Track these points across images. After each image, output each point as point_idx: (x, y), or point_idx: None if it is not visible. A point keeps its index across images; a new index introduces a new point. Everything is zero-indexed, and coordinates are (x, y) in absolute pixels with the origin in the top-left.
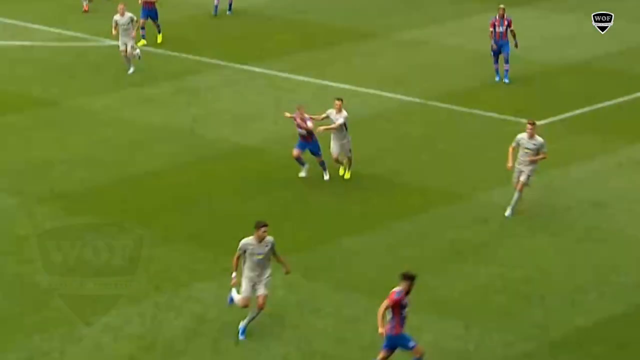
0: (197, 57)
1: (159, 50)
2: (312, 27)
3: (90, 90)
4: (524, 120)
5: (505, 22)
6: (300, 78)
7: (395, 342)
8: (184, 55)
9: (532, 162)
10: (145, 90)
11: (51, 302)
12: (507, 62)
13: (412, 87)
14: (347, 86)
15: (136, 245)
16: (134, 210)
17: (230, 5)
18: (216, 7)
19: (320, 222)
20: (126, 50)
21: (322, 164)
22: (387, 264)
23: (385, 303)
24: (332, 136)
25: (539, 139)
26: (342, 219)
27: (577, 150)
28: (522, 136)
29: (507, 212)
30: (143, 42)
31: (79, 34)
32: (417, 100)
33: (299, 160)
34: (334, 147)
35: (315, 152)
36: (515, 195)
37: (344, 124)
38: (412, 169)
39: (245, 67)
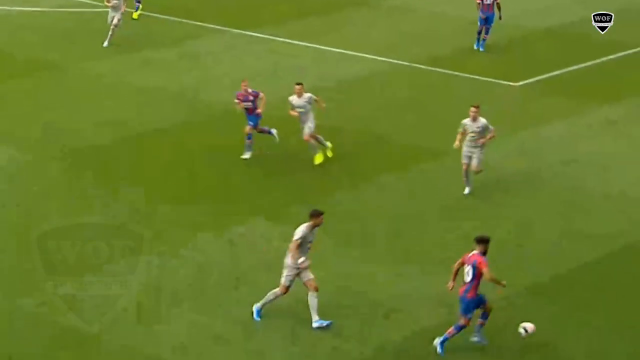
0: (198, 23)
1: (161, 16)
2: None
3: (93, 54)
4: (504, 82)
5: None
6: (297, 43)
7: (465, 303)
8: (184, 20)
9: (481, 145)
10: (147, 54)
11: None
12: (487, 32)
13: (401, 52)
14: (341, 50)
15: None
16: (139, 167)
17: None
18: None
19: (312, 178)
20: (111, 23)
21: (250, 137)
22: (377, 217)
23: (488, 269)
24: (301, 118)
25: (482, 121)
26: (333, 176)
27: (551, 111)
28: (467, 121)
29: (466, 191)
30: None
31: (81, 0)
32: (406, 63)
33: (265, 132)
34: (305, 129)
35: (255, 122)
36: (465, 176)
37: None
38: (401, 128)
39: (244, 32)
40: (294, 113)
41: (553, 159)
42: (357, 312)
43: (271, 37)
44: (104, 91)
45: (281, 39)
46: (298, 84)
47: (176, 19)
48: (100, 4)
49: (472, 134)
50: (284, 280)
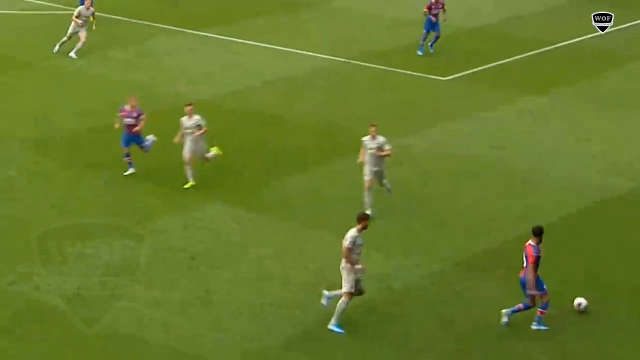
0: (156, 24)
1: (122, 18)
2: None
3: (65, 52)
4: (436, 77)
5: (440, 6)
6: (248, 42)
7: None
8: (145, 22)
9: (380, 161)
10: (111, 53)
11: (31, 235)
12: (437, 38)
13: (344, 49)
14: (289, 49)
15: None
16: (103, 153)
17: None
18: None
19: (263, 164)
20: (69, 38)
21: (128, 155)
22: (322, 199)
23: (531, 266)
24: (186, 139)
25: (380, 139)
26: (281, 161)
27: (479, 101)
28: (366, 138)
29: (369, 212)
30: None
31: (55, 4)
32: (349, 61)
33: (128, 156)
34: (187, 150)
35: (141, 143)
36: (368, 193)
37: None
38: (344, 117)
39: (199, 32)
40: (178, 136)
41: (483, 142)
42: (301, 284)
43: (224, 37)
44: (73, 85)
45: (233, 39)
46: (188, 104)
47: (136, 20)
48: (69, 7)
49: (370, 151)
50: (346, 287)
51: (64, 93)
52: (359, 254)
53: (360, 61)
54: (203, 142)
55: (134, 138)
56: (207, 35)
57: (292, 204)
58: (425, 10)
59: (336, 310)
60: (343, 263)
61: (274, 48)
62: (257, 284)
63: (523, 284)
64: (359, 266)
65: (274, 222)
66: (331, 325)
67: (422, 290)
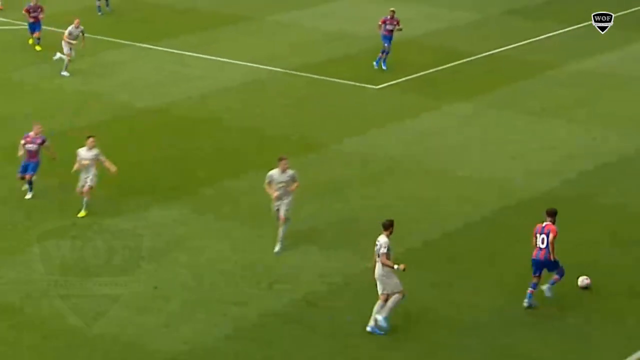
0: (107, 38)
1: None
2: (200, 14)
3: (25, 63)
4: (368, 86)
5: (394, 22)
6: (193, 54)
7: (553, 264)
8: (98, 37)
9: (288, 194)
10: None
11: None
12: (388, 52)
13: (282, 60)
14: (230, 60)
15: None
16: (63, 157)
17: (107, 0)
18: (99, 7)
19: (206, 167)
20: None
21: (31, 182)
22: (264, 200)
23: (554, 237)
24: (84, 171)
25: (290, 172)
26: (224, 165)
27: (407, 107)
28: (274, 172)
29: (276, 249)
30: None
31: (10, 20)
32: (284, 70)
33: (31, 184)
34: (82, 181)
35: (34, 170)
36: (280, 230)
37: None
38: (283, 124)
39: (148, 45)
40: (78, 166)
41: (409, 148)
42: (247, 281)
43: (171, 50)
44: (37, 94)
45: (179, 51)
46: (89, 136)
47: (90, 35)
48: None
49: (281, 184)
50: (397, 287)
51: (22, 104)
52: (392, 255)
53: (298, 71)
54: (94, 175)
55: (31, 165)
56: (154, 48)
57: (234, 205)
58: (380, 24)
59: (387, 306)
60: (379, 271)
61: (217, 60)
62: (204, 280)
63: (539, 264)
64: (399, 266)
65: (218, 222)
66: (381, 319)
67: (361, 283)
